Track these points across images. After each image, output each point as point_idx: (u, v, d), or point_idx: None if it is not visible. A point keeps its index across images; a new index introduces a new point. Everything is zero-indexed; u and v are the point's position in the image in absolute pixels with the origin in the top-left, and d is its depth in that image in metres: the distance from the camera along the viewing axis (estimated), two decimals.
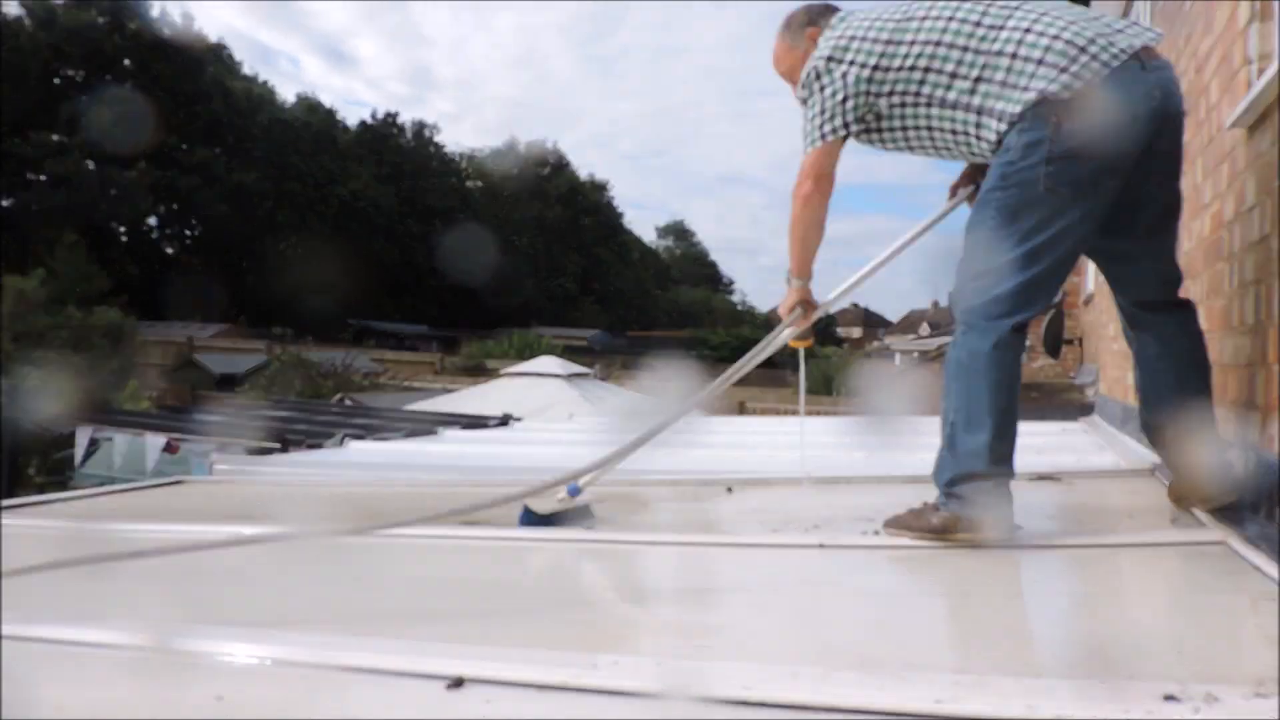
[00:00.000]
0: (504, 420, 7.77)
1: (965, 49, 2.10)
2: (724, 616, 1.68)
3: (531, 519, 2.54)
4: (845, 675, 1.19)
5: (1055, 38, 2.01)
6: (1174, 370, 2.19)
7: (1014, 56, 2.04)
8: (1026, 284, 2.02)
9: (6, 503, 3.17)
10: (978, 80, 2.08)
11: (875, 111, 2.22)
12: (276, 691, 1.29)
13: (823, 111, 2.23)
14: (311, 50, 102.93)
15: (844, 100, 2.20)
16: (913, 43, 2.15)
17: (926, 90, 2.14)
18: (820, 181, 2.27)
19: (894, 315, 66.93)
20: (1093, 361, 6.96)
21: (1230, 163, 2.51)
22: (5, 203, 38.94)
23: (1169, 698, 1.06)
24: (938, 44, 2.13)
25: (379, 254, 47.88)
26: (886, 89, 2.18)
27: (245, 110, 45.86)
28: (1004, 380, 2.04)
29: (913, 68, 2.15)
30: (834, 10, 2.41)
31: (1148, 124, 1.99)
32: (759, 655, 1.39)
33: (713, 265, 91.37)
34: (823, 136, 2.23)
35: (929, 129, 2.19)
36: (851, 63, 2.20)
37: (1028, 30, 2.05)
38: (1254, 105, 2.18)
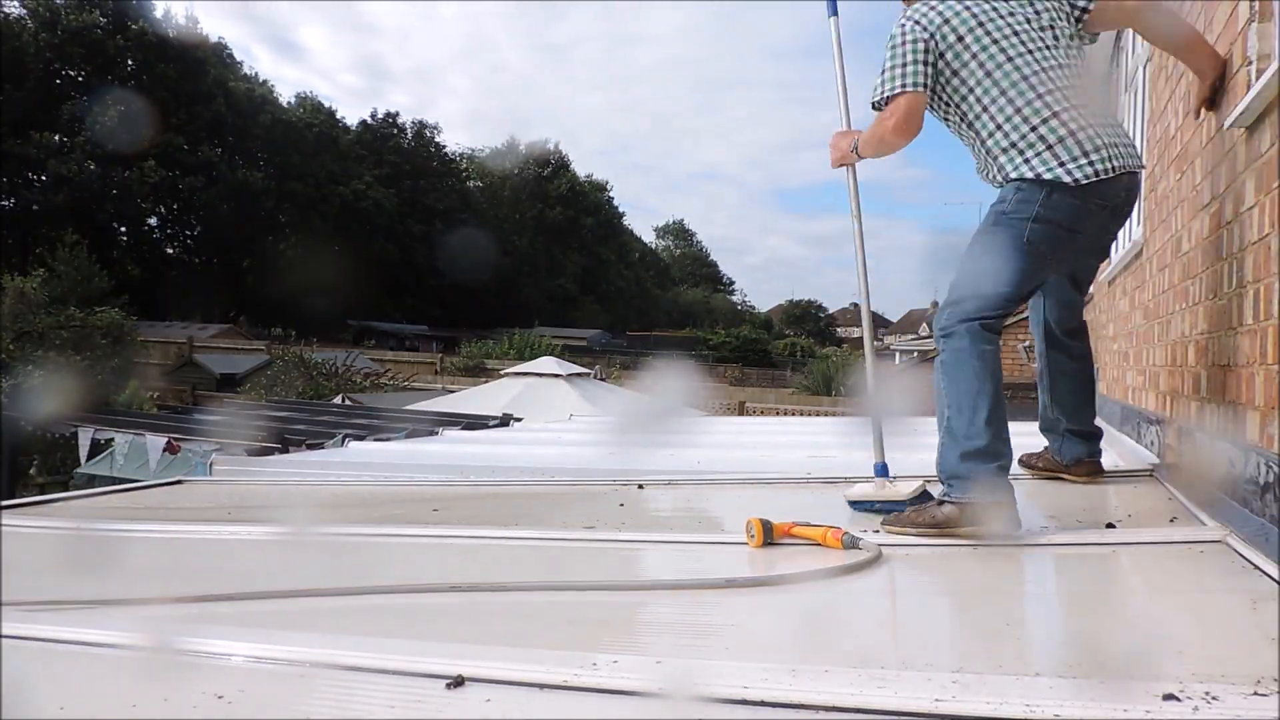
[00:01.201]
0: (504, 420, 7.78)
1: (1007, 97, 2.36)
2: (724, 616, 1.69)
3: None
4: (845, 675, 1.19)
5: (1071, 134, 2.31)
6: (1079, 378, 2.84)
7: (1034, 129, 2.33)
8: (997, 298, 2.39)
9: (6, 502, 3.18)
10: (998, 128, 2.37)
11: (932, 88, 2.44)
12: (276, 691, 1.30)
13: (892, 68, 2.41)
14: (260, 40, 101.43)
15: (905, 64, 2.40)
16: (974, 58, 2.38)
17: (965, 109, 2.42)
18: (905, 123, 2.41)
19: (894, 315, 66.94)
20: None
21: (1229, 163, 2.51)
22: (6, 203, 38.95)
23: (1168, 697, 1.06)
24: (989, 74, 2.37)
25: (380, 254, 47.91)
26: (941, 81, 2.42)
27: (247, 110, 45.85)
28: (984, 368, 2.32)
29: (963, 81, 2.40)
30: None
31: (1113, 214, 2.46)
32: (759, 655, 1.39)
33: (713, 265, 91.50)
34: (892, 91, 2.40)
35: (960, 133, 2.52)
36: (917, 24, 2.42)
37: (1054, 114, 2.32)
38: (1253, 105, 2.18)
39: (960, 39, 2.38)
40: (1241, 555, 1.82)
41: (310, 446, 5.52)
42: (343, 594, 1.82)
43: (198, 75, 43.68)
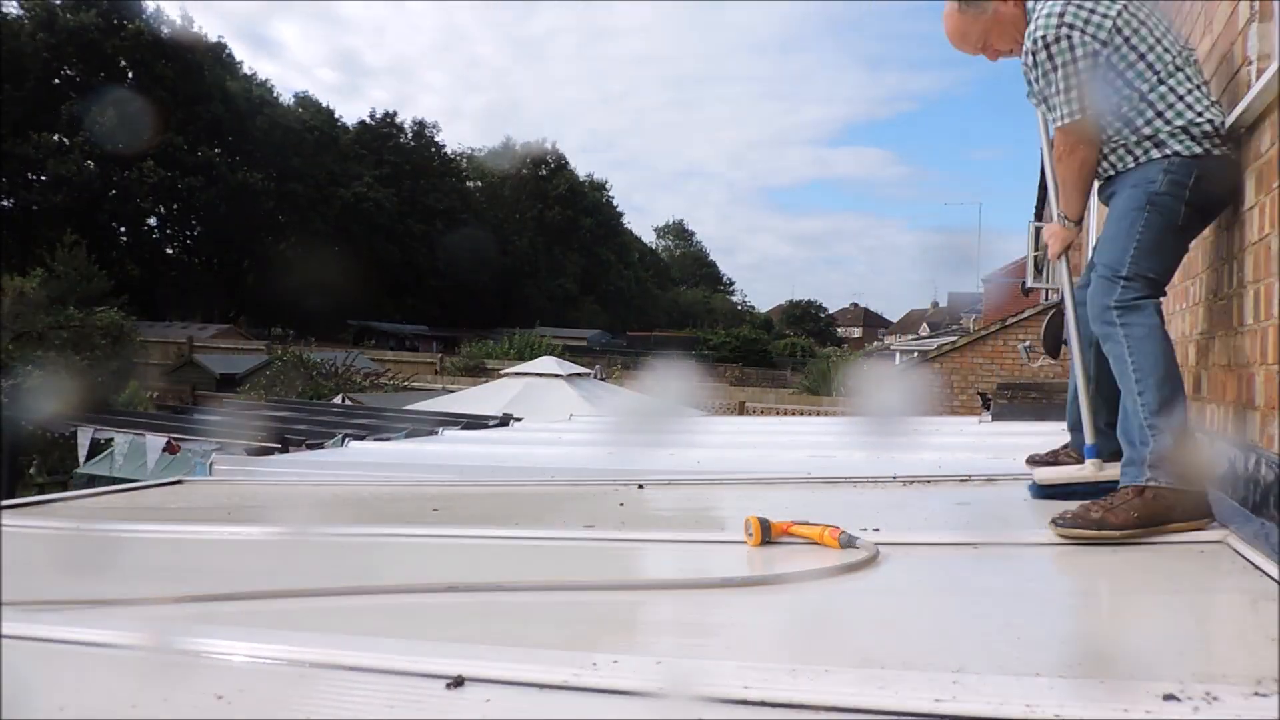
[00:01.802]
0: (504, 420, 7.77)
1: (1168, 56, 2.30)
2: (724, 616, 1.68)
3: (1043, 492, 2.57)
4: (845, 675, 1.19)
5: (1209, 107, 2.29)
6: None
7: (1180, 99, 2.28)
8: None
9: (6, 502, 3.18)
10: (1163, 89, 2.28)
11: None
12: (276, 691, 1.29)
13: (1066, 90, 2.32)
14: (235, 36, 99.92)
15: (1078, 80, 2.30)
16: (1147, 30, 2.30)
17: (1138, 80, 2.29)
18: (1075, 153, 2.38)
19: (894, 315, 66.97)
20: None
21: None
22: (6, 203, 38.95)
23: (1169, 697, 1.06)
24: (1159, 40, 2.31)
25: (380, 254, 47.90)
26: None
27: (245, 111, 45.83)
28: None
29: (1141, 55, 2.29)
30: None
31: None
32: (759, 655, 1.39)
33: (713, 265, 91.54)
34: (1067, 114, 2.33)
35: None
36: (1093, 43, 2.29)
37: (1197, 88, 2.30)
38: (1253, 105, 2.18)
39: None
40: (1241, 555, 1.82)
41: (310, 446, 5.51)
42: (343, 594, 1.82)
43: (196, 75, 43.66)
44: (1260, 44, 2.30)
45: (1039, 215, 11.84)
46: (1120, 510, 2.03)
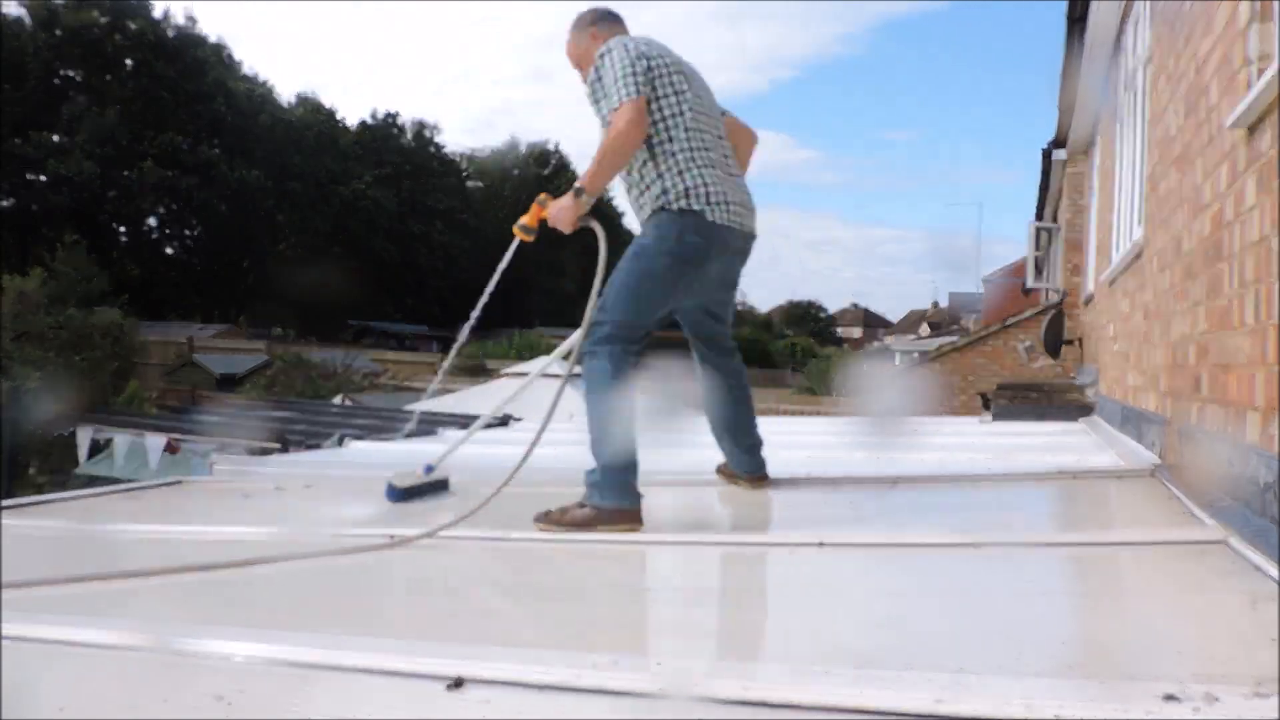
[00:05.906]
0: (504, 420, 7.77)
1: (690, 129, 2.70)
2: (724, 616, 1.68)
3: (395, 494, 3.11)
4: (845, 675, 1.19)
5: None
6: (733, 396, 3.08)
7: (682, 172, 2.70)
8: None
9: (7, 502, 3.18)
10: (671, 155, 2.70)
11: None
12: (276, 691, 1.29)
13: (622, 76, 2.59)
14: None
15: (634, 72, 2.60)
16: (678, 92, 2.68)
17: (665, 137, 2.68)
18: (636, 126, 2.60)
19: (894, 315, 66.98)
20: (1093, 362, 6.96)
21: (1230, 163, 2.51)
22: (6, 203, 38.97)
23: (1169, 698, 1.06)
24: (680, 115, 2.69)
25: (379, 254, 47.90)
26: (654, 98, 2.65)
27: (247, 110, 45.81)
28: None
29: (671, 112, 2.68)
30: (617, 19, 2.89)
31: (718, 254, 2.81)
32: (759, 655, 1.39)
33: None
34: (628, 94, 2.58)
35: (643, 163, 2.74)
36: (641, 55, 2.64)
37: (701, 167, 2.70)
38: (1254, 105, 2.18)
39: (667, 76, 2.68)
40: (1242, 555, 1.82)
41: (310, 447, 5.51)
42: (341, 593, 1.82)
43: (197, 75, 43.65)
44: (1260, 44, 2.30)
45: (1039, 215, 11.85)
46: (570, 515, 2.48)
